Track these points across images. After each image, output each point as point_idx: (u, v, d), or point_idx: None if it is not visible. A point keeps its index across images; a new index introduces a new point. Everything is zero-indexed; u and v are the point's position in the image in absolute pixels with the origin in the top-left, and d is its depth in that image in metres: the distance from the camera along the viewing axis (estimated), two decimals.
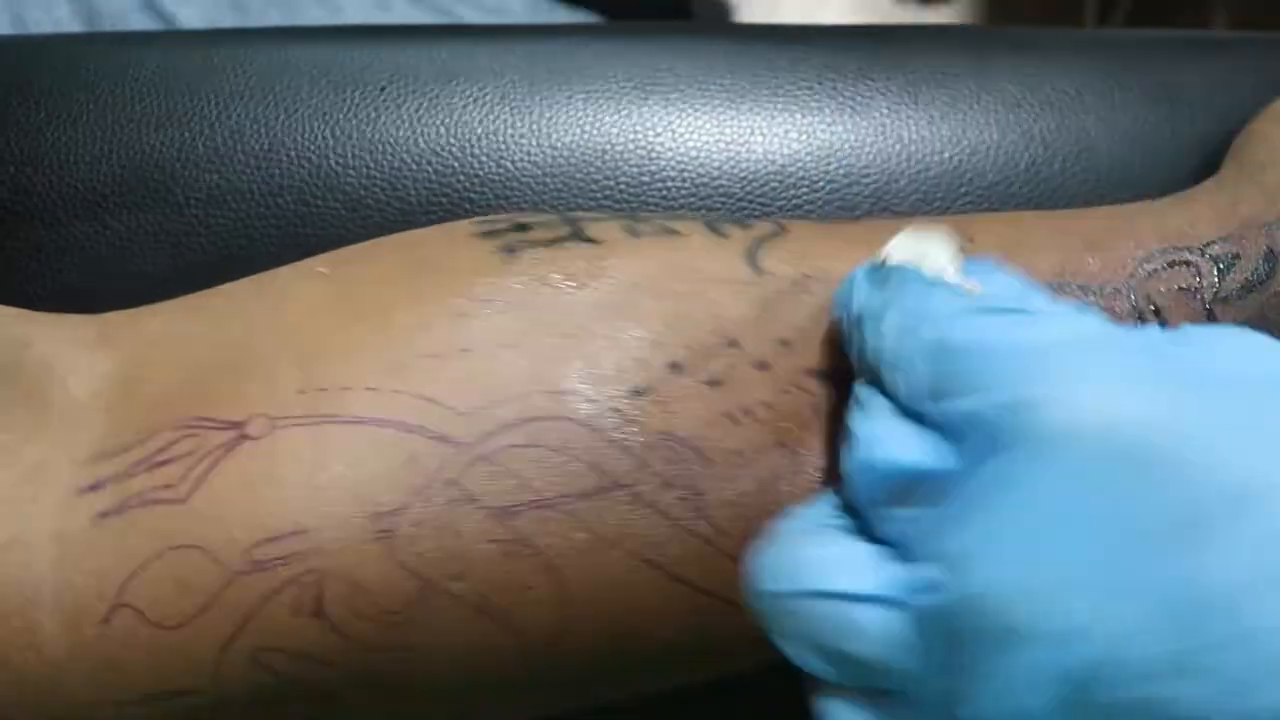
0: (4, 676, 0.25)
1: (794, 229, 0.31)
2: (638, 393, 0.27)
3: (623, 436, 0.26)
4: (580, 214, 0.30)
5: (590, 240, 0.29)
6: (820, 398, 0.28)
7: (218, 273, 0.40)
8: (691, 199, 0.40)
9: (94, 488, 0.26)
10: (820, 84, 0.42)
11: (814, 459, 0.27)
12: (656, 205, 0.41)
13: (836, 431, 0.27)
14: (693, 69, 0.42)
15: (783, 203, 0.40)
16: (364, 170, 0.41)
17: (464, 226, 0.30)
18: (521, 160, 0.41)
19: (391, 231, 0.40)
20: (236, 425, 0.26)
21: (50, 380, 0.28)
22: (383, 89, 0.42)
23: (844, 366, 0.28)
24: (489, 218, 0.31)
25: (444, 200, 0.40)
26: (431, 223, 0.40)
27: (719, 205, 0.40)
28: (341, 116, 0.41)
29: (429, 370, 0.26)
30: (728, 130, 0.41)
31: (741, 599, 0.27)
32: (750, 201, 0.40)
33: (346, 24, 0.63)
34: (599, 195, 0.40)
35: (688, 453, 0.27)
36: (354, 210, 0.40)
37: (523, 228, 0.29)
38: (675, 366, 0.27)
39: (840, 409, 0.27)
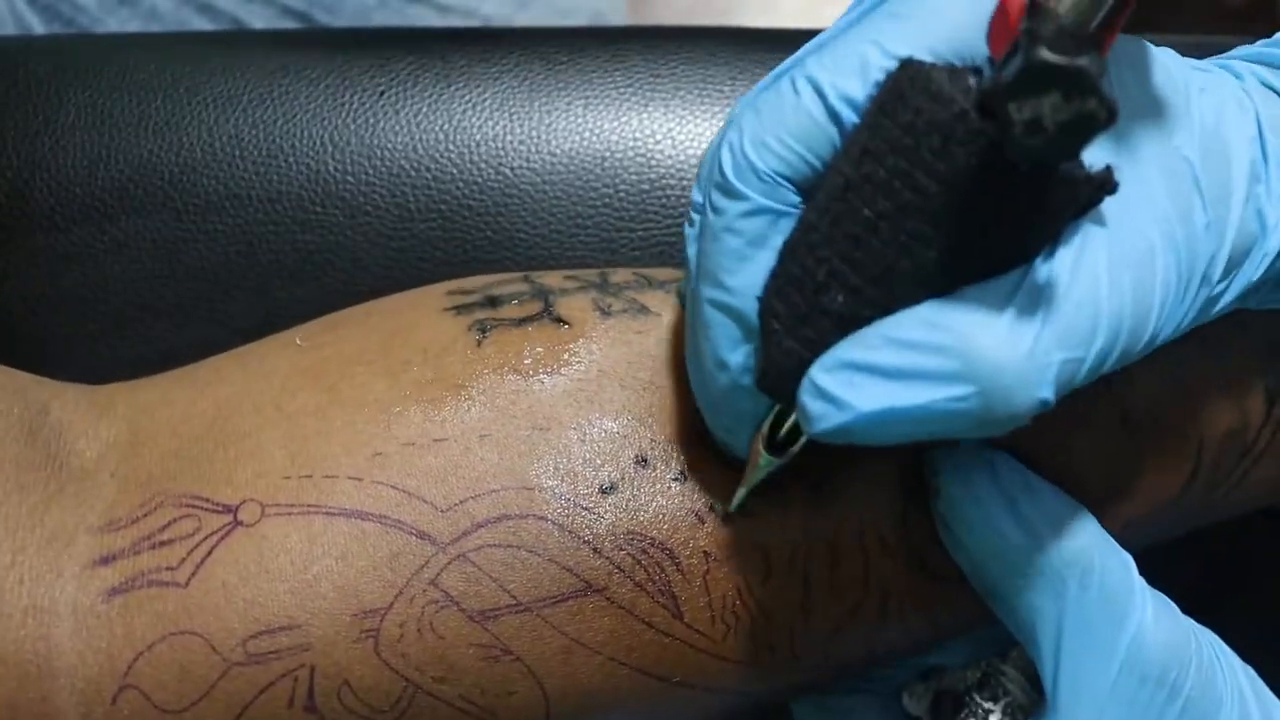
0: None
1: None
2: (606, 490, 0.27)
3: (593, 538, 0.27)
4: (551, 282, 0.31)
5: (560, 320, 0.29)
6: (787, 489, 0.28)
7: (217, 279, 0.40)
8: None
9: (105, 561, 0.26)
10: None
11: (784, 554, 0.27)
12: (656, 213, 0.41)
13: (806, 525, 0.27)
14: (692, 74, 0.42)
15: None
16: (363, 176, 0.41)
17: (436, 298, 0.31)
18: (521, 167, 0.41)
19: (391, 238, 0.40)
20: (230, 509, 0.27)
21: (64, 445, 0.28)
22: (381, 94, 0.42)
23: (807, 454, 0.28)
24: (461, 285, 0.31)
25: (443, 207, 0.40)
26: (431, 230, 0.40)
27: None
28: (340, 121, 0.41)
29: (407, 461, 0.27)
30: None
31: (726, 685, 0.28)
32: None
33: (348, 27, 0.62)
34: (598, 203, 0.40)
35: (659, 554, 0.27)
36: (352, 216, 0.40)
37: (493, 301, 0.30)
38: (642, 461, 0.27)
39: (804, 500, 0.27)
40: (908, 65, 0.22)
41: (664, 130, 0.41)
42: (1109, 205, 0.22)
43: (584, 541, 0.27)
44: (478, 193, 0.40)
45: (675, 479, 0.27)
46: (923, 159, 0.21)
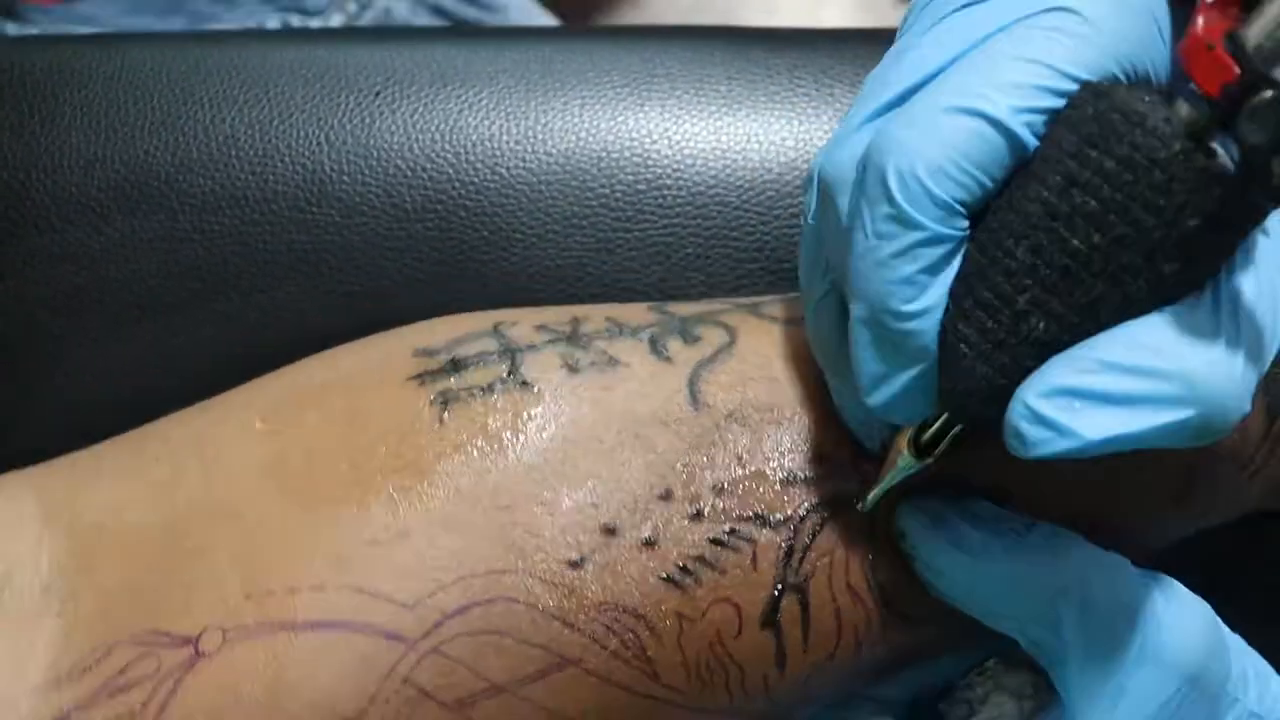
0: None
1: (745, 339, 0.30)
2: (575, 564, 0.27)
3: (564, 613, 0.26)
4: (519, 336, 0.30)
5: (525, 383, 0.29)
6: (756, 544, 0.27)
7: (213, 278, 0.40)
8: (688, 207, 0.40)
9: None
10: (818, 90, 0.42)
11: (755, 610, 0.27)
12: (652, 213, 0.40)
13: (774, 580, 0.27)
14: (689, 74, 0.42)
15: (779, 210, 0.40)
16: (358, 176, 0.41)
17: (401, 363, 0.30)
18: (516, 167, 0.41)
19: (387, 238, 0.40)
20: (190, 641, 0.26)
21: None
22: (377, 93, 0.42)
23: (777, 509, 0.28)
24: (428, 343, 0.30)
25: (439, 207, 0.40)
26: (427, 229, 0.40)
27: (715, 214, 0.40)
28: (336, 121, 0.41)
29: (371, 561, 0.26)
30: (724, 137, 0.41)
31: None
32: (746, 210, 0.40)
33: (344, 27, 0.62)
34: (594, 203, 0.40)
35: (632, 621, 0.27)
36: (349, 216, 0.40)
37: (458, 365, 0.29)
38: (610, 530, 0.27)
39: (775, 554, 0.27)
40: (1107, 93, 0.22)
41: (660, 130, 0.41)
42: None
43: (555, 618, 0.26)
44: (474, 192, 0.40)
45: (644, 543, 0.27)
46: (1142, 194, 0.21)
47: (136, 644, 0.26)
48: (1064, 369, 0.22)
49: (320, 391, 0.30)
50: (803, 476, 0.28)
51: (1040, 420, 0.22)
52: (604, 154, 0.41)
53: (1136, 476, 0.29)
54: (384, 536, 0.27)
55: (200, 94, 0.42)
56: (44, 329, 0.40)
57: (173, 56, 0.43)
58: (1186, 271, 0.22)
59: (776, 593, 0.27)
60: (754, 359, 0.30)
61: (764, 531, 0.27)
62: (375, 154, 0.41)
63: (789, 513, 0.28)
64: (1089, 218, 0.22)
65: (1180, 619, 0.25)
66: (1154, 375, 0.21)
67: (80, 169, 0.41)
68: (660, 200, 0.40)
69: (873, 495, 0.27)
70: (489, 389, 0.29)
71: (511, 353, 0.30)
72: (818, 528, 0.28)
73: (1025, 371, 0.23)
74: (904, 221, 0.23)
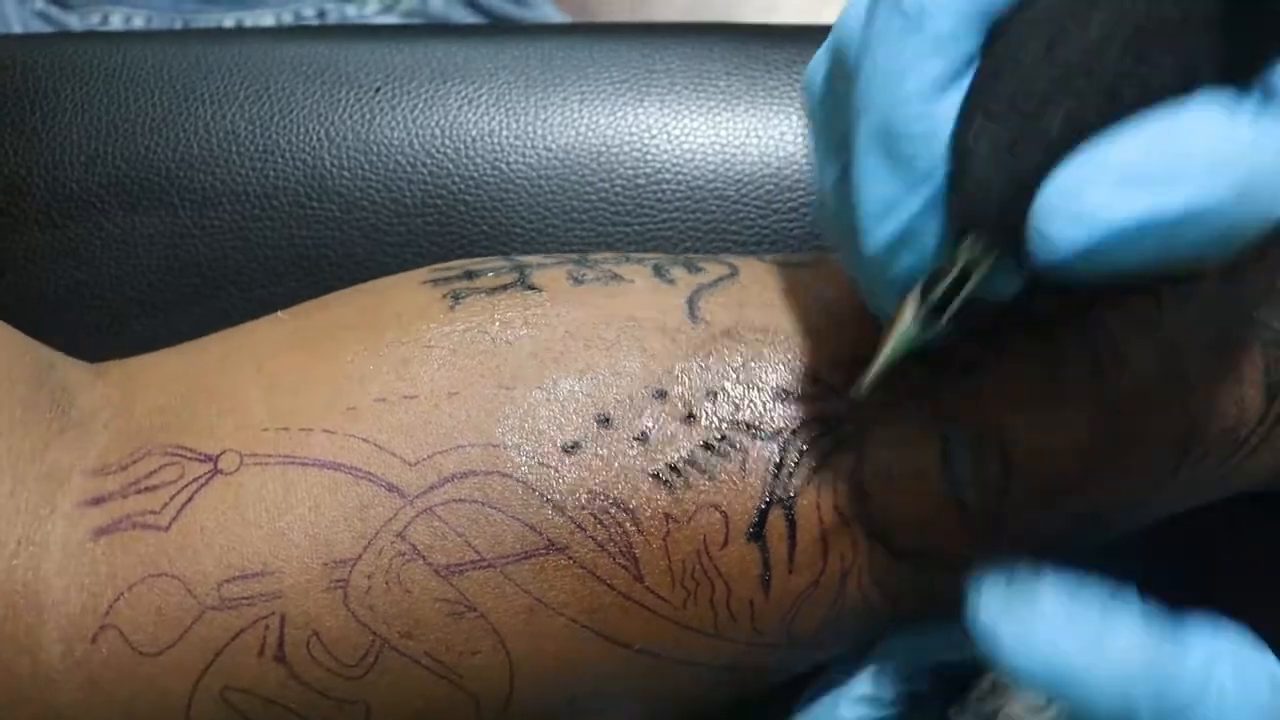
0: None
1: (747, 272, 0.31)
2: (569, 449, 0.27)
3: (556, 496, 0.27)
4: (530, 259, 0.32)
5: (533, 288, 0.30)
6: (747, 454, 0.28)
7: (213, 274, 0.41)
8: (686, 201, 0.40)
9: (96, 502, 0.27)
10: None
11: (743, 521, 0.27)
12: (651, 208, 0.41)
13: (763, 491, 0.28)
14: (689, 69, 0.42)
15: (778, 205, 0.40)
16: (359, 172, 0.41)
17: (418, 274, 0.31)
18: (516, 162, 0.41)
19: (387, 233, 0.40)
20: (211, 459, 0.27)
21: (65, 395, 0.29)
22: (377, 90, 0.42)
23: (768, 422, 0.28)
24: (443, 265, 0.32)
25: (439, 202, 0.40)
26: (427, 225, 0.40)
27: (714, 208, 0.40)
28: (336, 117, 0.41)
29: (379, 416, 0.27)
30: (723, 132, 0.41)
31: (689, 655, 0.28)
32: (745, 204, 0.40)
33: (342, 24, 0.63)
34: (594, 197, 0.40)
35: (620, 514, 0.27)
36: (349, 211, 0.40)
37: (471, 275, 0.31)
38: (604, 420, 0.28)
39: (765, 466, 0.28)
40: None
41: (660, 125, 0.41)
42: None
43: (546, 500, 0.27)
44: (474, 188, 0.40)
45: (637, 438, 0.28)
46: None
47: (165, 454, 0.28)
48: (1085, 157, 0.21)
49: (341, 294, 0.32)
50: (795, 394, 0.28)
51: (1062, 213, 0.20)
52: (603, 149, 0.41)
53: (1134, 446, 0.29)
54: (391, 396, 0.28)
55: (201, 90, 0.42)
56: (43, 326, 0.40)
57: (173, 53, 0.43)
58: (1203, 66, 0.21)
59: (764, 505, 0.28)
60: (754, 288, 0.30)
61: (755, 442, 0.28)
62: (376, 150, 0.41)
63: (779, 425, 0.28)
64: (1107, 7, 0.21)
65: (1241, 683, 0.22)
66: (1184, 153, 0.20)
67: (81, 165, 0.41)
68: (659, 195, 0.40)
69: (871, 373, 0.24)
70: (497, 290, 0.30)
71: (520, 267, 0.31)
72: (807, 445, 0.28)
73: (1042, 173, 0.21)
74: (924, 18, 0.22)
